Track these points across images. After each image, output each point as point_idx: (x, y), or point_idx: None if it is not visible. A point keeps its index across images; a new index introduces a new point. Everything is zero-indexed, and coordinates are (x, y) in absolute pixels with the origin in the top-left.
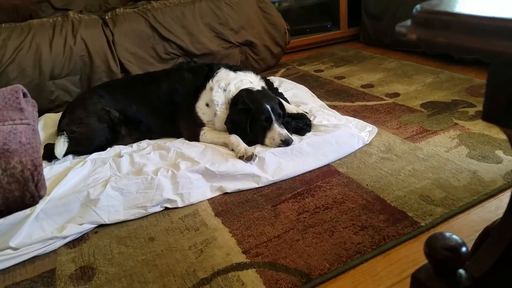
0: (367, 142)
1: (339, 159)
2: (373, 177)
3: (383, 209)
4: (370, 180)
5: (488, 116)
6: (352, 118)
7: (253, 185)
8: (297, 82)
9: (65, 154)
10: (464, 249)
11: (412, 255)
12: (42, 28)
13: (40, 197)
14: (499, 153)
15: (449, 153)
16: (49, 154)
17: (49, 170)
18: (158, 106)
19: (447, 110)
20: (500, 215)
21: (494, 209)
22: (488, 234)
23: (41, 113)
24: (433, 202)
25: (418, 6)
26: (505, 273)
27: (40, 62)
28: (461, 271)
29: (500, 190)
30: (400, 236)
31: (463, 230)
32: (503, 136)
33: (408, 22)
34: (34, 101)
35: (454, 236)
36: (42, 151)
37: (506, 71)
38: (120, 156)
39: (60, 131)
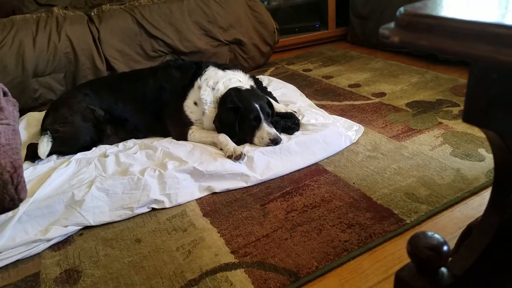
0: (354, 141)
1: (327, 158)
2: (359, 175)
3: (370, 206)
4: (357, 179)
5: (468, 117)
6: (339, 117)
7: (242, 184)
8: (286, 81)
9: (49, 154)
10: (445, 248)
11: (398, 252)
12: (25, 24)
13: (20, 200)
14: (482, 151)
15: (433, 151)
16: (32, 154)
17: (32, 171)
18: (144, 105)
19: (432, 109)
20: (482, 212)
21: (476, 206)
22: (470, 231)
23: (24, 111)
24: (418, 200)
25: (401, 9)
26: (485, 270)
27: (23, 59)
28: (443, 269)
29: (482, 188)
30: (386, 234)
31: (447, 227)
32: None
33: (392, 25)
34: (15, 100)
35: (436, 235)
36: (23, 152)
37: (486, 74)
38: (105, 156)
39: (43, 130)
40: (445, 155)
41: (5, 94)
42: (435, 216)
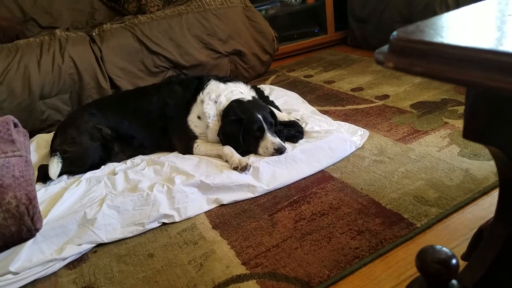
0: (360, 146)
1: (333, 165)
2: (367, 180)
3: (379, 212)
4: (365, 184)
5: (468, 135)
6: (343, 122)
7: (249, 195)
8: (287, 89)
9: (60, 175)
10: (454, 261)
11: (409, 257)
12: (29, 48)
13: (37, 230)
14: None
15: (440, 152)
16: (44, 176)
17: (44, 192)
18: (149, 121)
19: (437, 110)
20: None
21: (487, 207)
22: (482, 234)
23: (33, 133)
24: (428, 203)
25: (394, 33)
26: (495, 282)
27: (29, 82)
28: (454, 281)
29: (492, 187)
30: (396, 239)
31: (458, 229)
32: None
33: (386, 49)
34: (25, 130)
35: (444, 249)
36: (35, 176)
37: (482, 96)
38: (114, 173)
39: (53, 151)
40: (452, 156)
41: (15, 125)
42: (445, 219)
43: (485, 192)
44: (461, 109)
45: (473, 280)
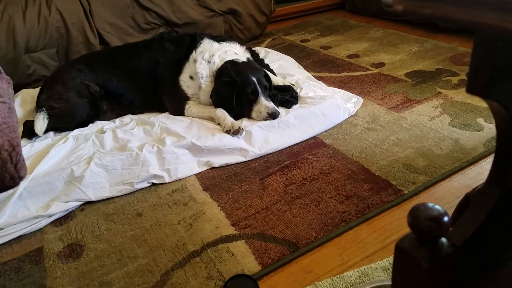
0: (353, 113)
1: (326, 131)
2: (358, 147)
3: (368, 178)
4: (355, 151)
5: (472, 88)
6: (338, 89)
7: (241, 159)
8: (283, 53)
9: (46, 131)
10: (446, 218)
11: (395, 222)
12: None
13: (21, 178)
14: (481, 120)
15: (432, 122)
16: (29, 131)
17: (30, 148)
18: (139, 79)
19: (431, 79)
20: (480, 182)
21: (474, 176)
22: (468, 201)
23: (18, 88)
24: (416, 171)
25: None
26: (484, 240)
27: (13, 34)
28: (443, 239)
29: (480, 157)
30: (383, 204)
31: (445, 197)
32: (484, 104)
33: None
34: (9, 77)
35: (437, 207)
36: (20, 129)
37: (492, 43)
38: (102, 132)
39: (39, 107)
40: (443, 126)
41: None
42: (432, 187)
43: (473, 162)
44: (455, 79)
45: (462, 238)
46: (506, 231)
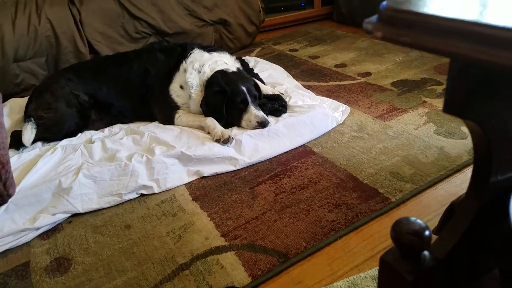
0: (341, 122)
1: (314, 139)
2: (346, 156)
3: (356, 186)
4: (344, 159)
5: (448, 108)
6: (326, 98)
7: (231, 168)
8: (272, 62)
9: (34, 141)
10: (427, 232)
11: (383, 231)
12: (3, 6)
13: (9, 196)
14: (465, 129)
15: (417, 130)
16: (17, 142)
17: (17, 159)
18: (129, 89)
19: (416, 88)
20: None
21: (459, 184)
22: (453, 209)
23: (6, 97)
24: (403, 179)
25: (384, 3)
26: (465, 252)
27: (2, 43)
28: (426, 252)
29: (465, 165)
30: (372, 212)
31: (431, 205)
32: None
33: (374, 18)
34: None
35: (418, 221)
36: (8, 140)
37: (466, 68)
38: (91, 142)
39: (27, 117)
40: (429, 134)
41: None
42: (419, 194)
43: (458, 169)
44: (439, 88)
45: (444, 251)
46: (486, 242)
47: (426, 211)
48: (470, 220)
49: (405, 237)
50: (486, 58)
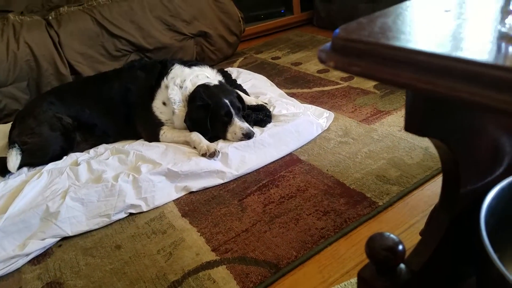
0: (325, 128)
1: (300, 147)
2: (332, 162)
3: (343, 192)
4: (330, 165)
5: (409, 127)
6: (310, 105)
7: (219, 181)
8: (255, 71)
9: (19, 167)
10: (400, 247)
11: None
12: None
13: None
14: None
15: (402, 132)
16: (2, 169)
17: (3, 186)
18: (112, 108)
19: (399, 90)
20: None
21: None
22: None
23: None
24: (389, 181)
25: (337, 31)
26: (441, 263)
27: None
28: (402, 265)
29: None
30: (360, 217)
31: (418, 206)
32: None
33: (328, 46)
34: None
35: (392, 236)
36: None
37: (418, 95)
38: (77, 164)
39: (11, 143)
40: (413, 135)
41: None
42: (406, 196)
43: (442, 171)
44: None
45: (420, 263)
46: (461, 252)
47: (414, 212)
48: (443, 232)
49: (380, 253)
50: (434, 88)
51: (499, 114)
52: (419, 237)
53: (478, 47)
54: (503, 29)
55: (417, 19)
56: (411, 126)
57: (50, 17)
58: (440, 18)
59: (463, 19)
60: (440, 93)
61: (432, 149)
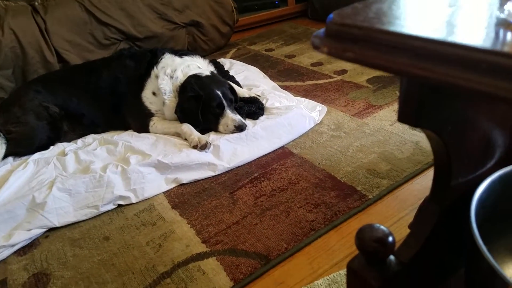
0: (318, 122)
1: (293, 141)
2: (324, 155)
3: (334, 185)
4: (322, 159)
5: (403, 118)
6: (303, 98)
7: (210, 173)
8: (248, 63)
9: (4, 157)
10: (390, 239)
11: None
12: None
13: None
14: None
15: (393, 126)
16: None
17: None
18: (100, 98)
19: (391, 84)
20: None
21: None
22: None
23: None
24: (380, 175)
25: (331, 16)
26: (431, 255)
27: None
28: (391, 257)
29: None
30: (350, 210)
31: (408, 199)
32: None
33: (322, 32)
34: None
35: (382, 227)
36: None
37: (415, 82)
38: (64, 154)
39: None
40: (404, 129)
41: None
42: (396, 190)
43: (433, 163)
44: None
45: (409, 255)
46: (450, 243)
47: (403, 206)
48: (433, 224)
49: (369, 244)
50: (429, 75)
51: (495, 101)
52: (408, 230)
53: (475, 33)
54: (502, 15)
55: (413, 5)
56: (404, 116)
57: (36, 3)
58: (436, 4)
59: (460, 5)
60: (436, 79)
61: (423, 144)
